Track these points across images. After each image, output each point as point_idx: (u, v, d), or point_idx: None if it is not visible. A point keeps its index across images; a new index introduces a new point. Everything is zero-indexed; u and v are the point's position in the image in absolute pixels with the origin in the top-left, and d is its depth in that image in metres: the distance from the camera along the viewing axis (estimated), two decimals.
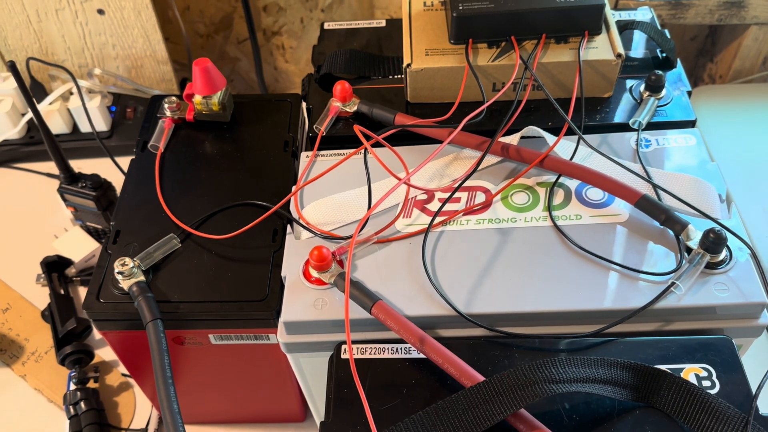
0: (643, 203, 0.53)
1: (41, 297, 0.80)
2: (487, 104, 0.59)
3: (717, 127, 0.88)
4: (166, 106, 0.65)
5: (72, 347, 0.71)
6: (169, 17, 1.01)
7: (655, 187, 0.55)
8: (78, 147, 0.92)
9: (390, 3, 1.02)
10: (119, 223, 0.59)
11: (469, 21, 0.62)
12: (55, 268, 0.80)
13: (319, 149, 0.63)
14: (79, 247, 0.82)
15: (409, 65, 0.62)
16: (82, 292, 0.81)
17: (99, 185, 0.77)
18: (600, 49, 0.62)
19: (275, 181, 0.62)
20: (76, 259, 0.81)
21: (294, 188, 0.59)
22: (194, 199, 0.61)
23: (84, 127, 0.92)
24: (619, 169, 0.56)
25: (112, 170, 0.79)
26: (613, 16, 0.68)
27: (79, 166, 0.92)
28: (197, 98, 0.64)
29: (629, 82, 0.66)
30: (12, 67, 0.63)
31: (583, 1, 0.61)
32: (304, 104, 0.69)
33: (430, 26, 0.66)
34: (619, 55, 0.61)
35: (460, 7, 0.62)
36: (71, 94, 0.89)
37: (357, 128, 0.55)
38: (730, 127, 0.89)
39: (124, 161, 0.88)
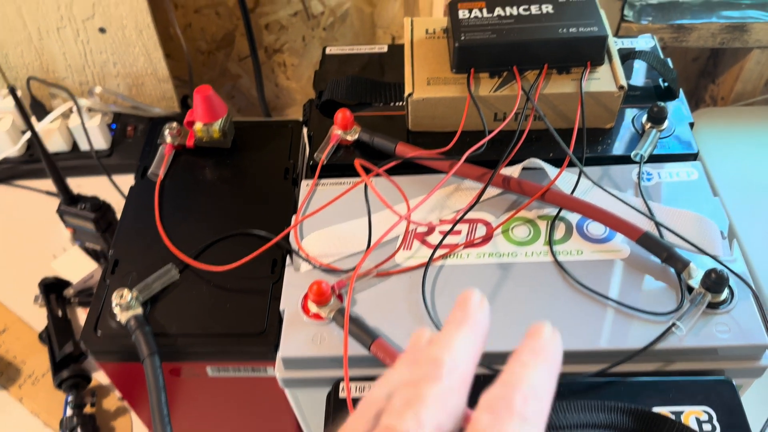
0: (644, 240, 0.53)
1: (39, 318, 0.80)
2: (489, 137, 0.59)
3: (718, 150, 0.88)
4: (166, 132, 0.65)
5: (69, 371, 0.71)
6: (171, 34, 1.01)
7: (657, 224, 0.55)
8: (78, 165, 0.92)
9: (391, 22, 1.02)
10: (118, 252, 0.59)
11: (471, 51, 0.62)
12: (53, 289, 0.80)
13: (320, 177, 0.63)
14: (78, 267, 0.82)
15: (410, 95, 0.62)
16: (81, 313, 0.81)
17: (98, 207, 0.77)
18: (602, 80, 0.62)
19: (275, 209, 0.62)
20: (75, 280, 0.81)
21: (294, 220, 0.59)
22: (194, 227, 0.60)
23: (84, 146, 0.91)
24: (620, 204, 0.56)
25: (113, 188, 0.79)
26: (615, 45, 0.67)
27: (80, 184, 0.91)
28: (198, 125, 0.63)
29: (631, 112, 0.65)
30: (12, 92, 0.63)
31: (585, 32, 0.61)
32: (305, 130, 0.69)
33: (432, 54, 0.66)
34: (621, 87, 0.61)
35: (462, 38, 0.61)
36: (71, 112, 0.89)
37: (357, 163, 0.55)
38: (732, 150, 0.89)
39: (125, 179, 0.88)
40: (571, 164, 0.58)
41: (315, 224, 0.58)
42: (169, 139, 0.65)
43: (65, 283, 0.81)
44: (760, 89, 1.00)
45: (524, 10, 0.63)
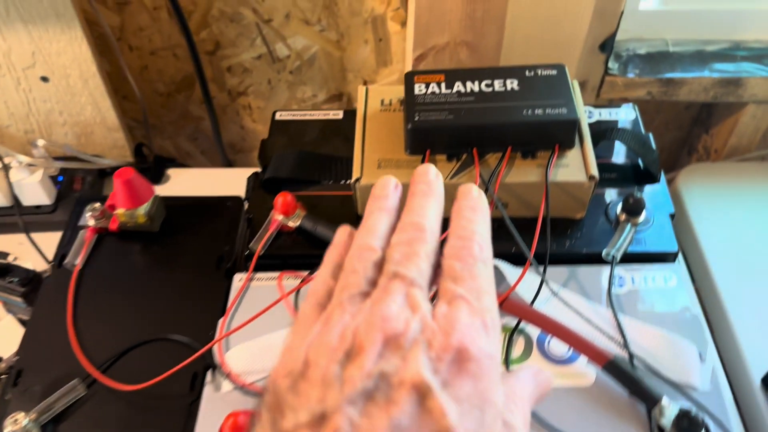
0: (611, 368, 0.46)
1: None
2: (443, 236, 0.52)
3: (709, 211, 0.81)
4: (88, 214, 0.59)
5: None
6: (126, 77, 0.95)
7: (631, 355, 0.48)
8: (20, 222, 0.85)
9: (362, 66, 0.95)
10: (23, 360, 0.53)
11: (426, 133, 0.55)
12: None
13: (256, 270, 0.56)
14: (10, 340, 0.75)
15: (358, 180, 0.56)
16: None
17: (28, 281, 0.70)
18: (571, 167, 0.55)
19: (204, 306, 0.55)
20: (6, 354, 0.75)
21: (220, 328, 0.52)
22: (111, 328, 0.54)
23: (27, 201, 0.85)
24: (589, 318, 0.49)
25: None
26: (590, 116, 0.61)
27: (22, 241, 0.85)
28: (120, 211, 0.57)
29: (606, 196, 0.59)
30: None
31: (553, 114, 0.54)
32: (246, 207, 0.62)
33: (385, 131, 0.59)
34: (591, 178, 0.54)
35: (416, 117, 0.55)
36: (10, 167, 0.82)
37: (280, 278, 0.48)
38: (724, 211, 0.82)
39: None
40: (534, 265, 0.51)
41: (243, 330, 0.52)
42: (91, 222, 0.59)
43: None
44: (756, 144, 0.93)
45: (487, 86, 0.57)
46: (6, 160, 0.82)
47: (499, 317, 0.29)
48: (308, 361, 0.26)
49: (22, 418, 0.47)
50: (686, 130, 1.03)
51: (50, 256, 0.74)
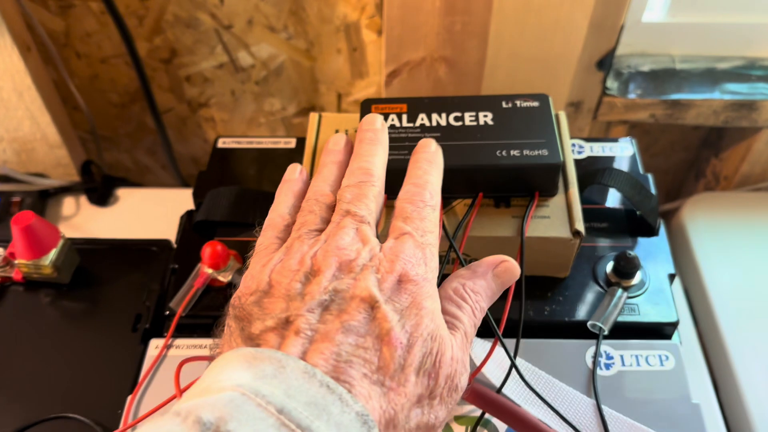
0: None
1: None
2: None
3: (716, 247, 0.72)
4: None
5: None
6: (77, 85, 0.86)
7: None
8: None
9: (336, 77, 0.86)
10: None
11: None
12: None
13: (182, 330, 0.48)
14: None
15: None
16: None
17: None
18: (553, 219, 0.46)
19: (114, 377, 0.47)
20: None
21: (127, 408, 0.44)
22: (6, 401, 0.46)
23: None
24: (566, 411, 0.41)
25: None
26: (580, 152, 0.52)
27: None
28: (21, 262, 0.48)
29: (594, 251, 0.50)
30: None
31: (531, 157, 0.45)
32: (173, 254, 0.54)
33: None
34: (577, 233, 0.45)
35: None
36: None
37: (178, 372, 0.40)
38: (733, 248, 0.73)
39: None
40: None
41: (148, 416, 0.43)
42: None
43: None
44: None
45: (456, 119, 0.48)
46: None
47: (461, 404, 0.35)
48: (271, 282, 0.31)
49: None
50: (694, 152, 0.94)
51: None
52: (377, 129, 0.40)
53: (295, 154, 0.58)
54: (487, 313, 0.42)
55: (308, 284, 0.30)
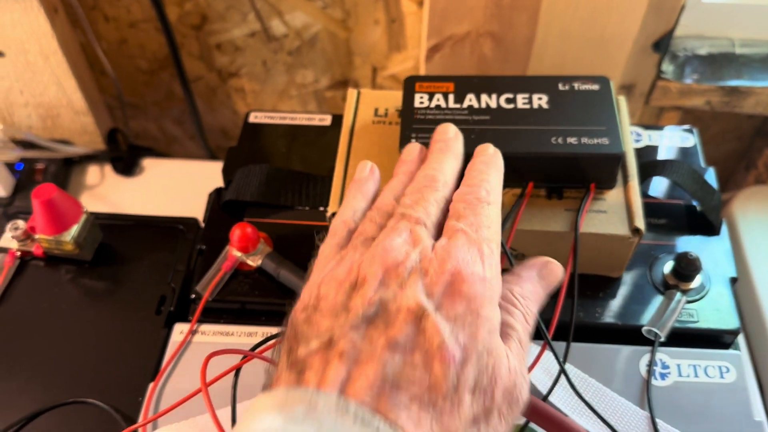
0: None
1: None
2: None
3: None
4: (9, 234, 0.48)
5: None
6: (105, 51, 0.83)
7: None
8: None
9: (372, 50, 0.83)
10: None
11: None
12: None
13: (208, 314, 0.45)
14: None
15: (334, 215, 0.44)
16: None
17: None
18: (610, 215, 0.43)
19: (136, 361, 0.44)
20: None
21: (149, 395, 0.42)
22: (22, 383, 0.44)
23: None
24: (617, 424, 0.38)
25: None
26: (638, 140, 0.48)
27: None
28: (41, 237, 0.46)
29: (649, 251, 0.46)
30: None
31: (591, 146, 0.42)
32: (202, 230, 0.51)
33: (376, 149, 0.47)
34: (636, 231, 0.42)
35: (413, 138, 0.43)
36: None
37: (205, 365, 0.37)
38: None
39: None
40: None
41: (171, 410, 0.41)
42: (13, 245, 0.48)
43: None
44: None
45: (507, 101, 0.44)
46: None
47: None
48: (320, 295, 0.29)
49: None
50: (747, 142, 0.89)
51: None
52: (449, 138, 0.37)
53: (330, 132, 0.55)
54: (541, 327, 0.39)
55: (353, 296, 0.28)
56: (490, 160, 0.37)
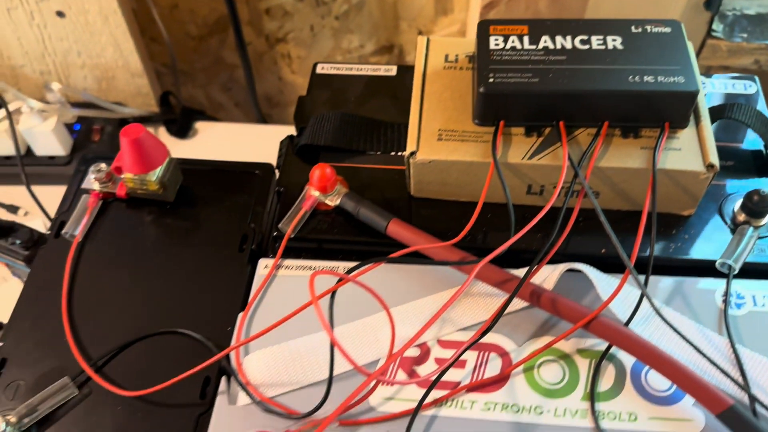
0: (730, 417, 0.36)
1: None
2: (517, 236, 0.42)
3: None
4: (92, 176, 0.50)
5: None
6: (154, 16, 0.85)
7: (751, 396, 0.37)
8: (32, 173, 0.77)
9: (418, 14, 0.84)
10: (8, 348, 0.45)
11: (502, 99, 0.44)
12: None
13: (285, 256, 0.47)
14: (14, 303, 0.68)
15: (413, 154, 0.45)
16: None
17: (32, 243, 0.62)
18: (684, 152, 0.44)
19: (222, 295, 0.46)
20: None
21: (239, 325, 0.43)
22: (111, 316, 0.46)
23: (39, 151, 0.77)
24: (697, 356, 0.39)
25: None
26: (706, 92, 0.49)
27: (37, 192, 0.77)
28: (128, 176, 0.48)
29: (718, 191, 0.48)
30: None
31: (667, 84, 0.43)
32: (277, 177, 0.53)
33: (449, 93, 0.48)
34: (710, 166, 0.43)
35: (491, 79, 0.44)
36: (21, 112, 0.74)
37: (312, 279, 0.38)
38: None
39: None
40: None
41: (265, 333, 0.43)
42: (95, 186, 0.50)
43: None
44: None
45: (582, 42, 0.45)
46: (15, 105, 0.73)
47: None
48: None
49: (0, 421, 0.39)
50: None
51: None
52: None
53: (396, 82, 0.56)
54: (619, 247, 0.40)
55: None
56: None
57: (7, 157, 0.77)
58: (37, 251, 0.62)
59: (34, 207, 0.73)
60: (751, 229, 0.44)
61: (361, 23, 0.86)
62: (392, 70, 0.57)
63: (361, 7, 0.83)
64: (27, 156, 0.77)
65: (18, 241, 0.61)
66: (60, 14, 0.73)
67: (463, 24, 0.83)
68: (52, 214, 0.60)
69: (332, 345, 0.39)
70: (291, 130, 0.54)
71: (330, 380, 0.39)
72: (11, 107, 0.74)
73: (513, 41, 0.46)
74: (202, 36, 0.89)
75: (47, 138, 0.74)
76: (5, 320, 0.66)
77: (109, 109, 0.78)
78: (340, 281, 0.39)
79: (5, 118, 0.74)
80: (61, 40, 0.76)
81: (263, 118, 0.92)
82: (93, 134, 0.79)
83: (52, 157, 0.77)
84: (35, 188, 0.78)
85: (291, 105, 0.97)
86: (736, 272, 0.43)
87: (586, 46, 0.45)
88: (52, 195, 0.71)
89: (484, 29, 0.47)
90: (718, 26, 0.71)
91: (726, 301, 0.42)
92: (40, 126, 0.73)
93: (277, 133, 0.57)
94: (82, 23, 0.73)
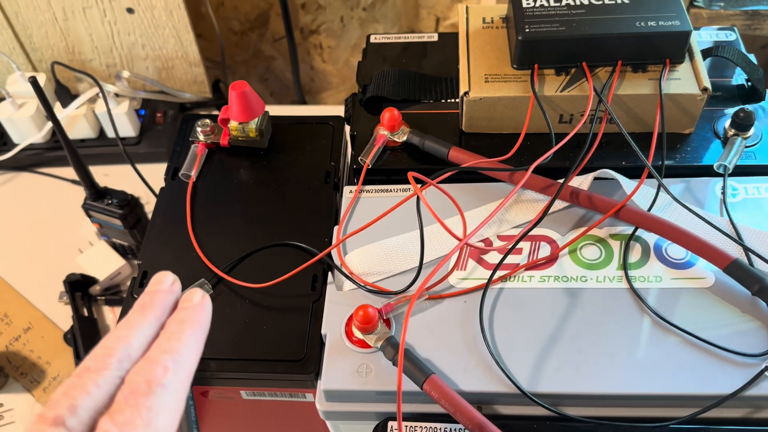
0: (733, 269, 0.47)
1: (64, 316, 0.76)
2: (559, 145, 0.53)
3: None
4: (199, 129, 0.60)
5: None
6: (202, 13, 0.95)
7: (747, 249, 0.48)
8: (106, 153, 0.87)
9: (436, 2, 0.95)
10: (146, 263, 0.54)
11: (536, 45, 0.55)
12: (78, 287, 0.76)
13: (364, 183, 0.57)
14: (105, 263, 0.78)
15: (466, 93, 0.56)
16: (107, 312, 0.77)
17: (126, 203, 0.72)
18: (683, 81, 0.55)
19: (315, 216, 0.56)
20: (101, 277, 0.77)
21: (336, 232, 0.54)
22: (228, 236, 0.56)
23: (111, 133, 0.87)
24: (704, 225, 0.50)
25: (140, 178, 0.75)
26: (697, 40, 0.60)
27: (107, 172, 0.87)
28: (233, 124, 0.58)
29: (710, 115, 0.59)
30: (33, 84, 0.58)
31: (666, 26, 0.54)
32: (347, 129, 0.63)
33: (489, 47, 0.59)
34: (705, 89, 0.54)
35: (527, 30, 0.55)
36: (98, 97, 0.84)
37: (410, 176, 0.49)
38: None
39: (153, 168, 0.83)
40: (649, 176, 0.52)
41: (359, 238, 0.53)
42: (201, 137, 0.60)
43: (91, 281, 0.77)
44: None
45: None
46: (90, 95, 0.83)
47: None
48: None
49: None
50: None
51: (134, 188, 0.76)
52: (194, 305, 0.33)
53: (438, 45, 0.67)
54: (638, 152, 0.51)
55: None
56: (189, 317, 0.32)
57: (82, 140, 0.87)
58: (130, 210, 0.72)
59: (109, 185, 0.83)
60: (740, 139, 0.55)
61: (385, 12, 0.97)
62: (434, 37, 0.68)
63: None
64: (101, 137, 0.87)
65: (114, 200, 0.71)
66: (130, 11, 0.83)
67: None
68: (131, 191, 0.71)
69: (422, 234, 0.50)
70: (328, 110, 0.65)
71: (421, 262, 0.50)
72: (86, 95, 0.84)
73: (541, 1, 0.57)
74: (244, 31, 1.00)
75: (122, 120, 0.84)
76: (101, 276, 0.76)
77: (173, 94, 0.89)
78: (425, 184, 0.50)
79: (84, 104, 0.84)
80: (128, 34, 0.86)
81: (303, 98, 1.03)
82: (157, 118, 0.89)
83: (123, 139, 0.87)
84: (108, 168, 0.88)
85: (323, 91, 1.07)
86: (730, 171, 0.54)
87: (600, 2, 0.56)
88: (125, 173, 0.81)
89: None
90: None
91: (724, 193, 0.53)
92: (116, 109, 0.84)
93: (315, 112, 0.67)
94: (149, 18, 0.84)
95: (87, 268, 0.78)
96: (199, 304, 0.33)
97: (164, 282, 0.34)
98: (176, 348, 0.30)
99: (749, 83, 0.60)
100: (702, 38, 0.65)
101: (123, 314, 0.52)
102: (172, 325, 0.31)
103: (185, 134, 0.62)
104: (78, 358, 0.71)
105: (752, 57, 0.62)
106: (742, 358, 0.45)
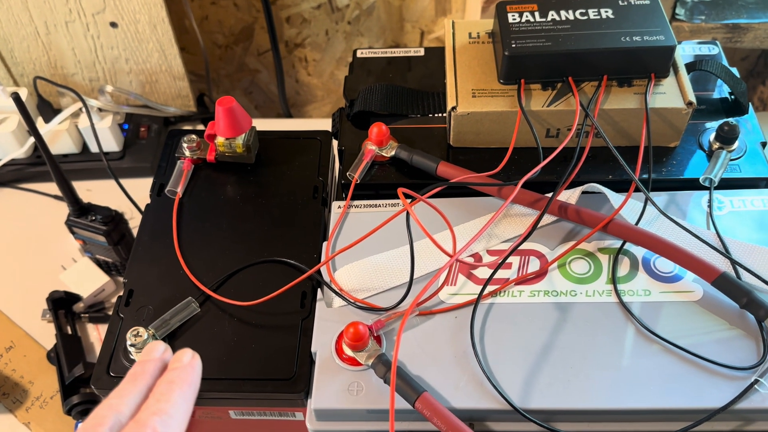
0: (721, 282, 0.47)
1: (47, 334, 0.75)
2: (548, 159, 0.53)
3: None
4: (185, 145, 0.59)
5: (79, 397, 0.66)
6: (186, 27, 0.95)
7: (734, 263, 0.49)
8: (89, 168, 0.86)
9: (420, 16, 0.95)
10: (132, 282, 0.54)
11: (523, 60, 0.56)
12: (61, 304, 0.75)
13: (353, 198, 0.57)
14: (88, 280, 0.76)
15: (454, 108, 0.56)
16: (91, 329, 0.76)
17: (110, 219, 0.71)
18: (668, 95, 0.56)
19: (304, 232, 0.56)
20: (85, 294, 0.76)
21: (325, 248, 0.53)
22: (215, 252, 0.55)
23: (95, 147, 0.86)
24: (691, 238, 0.50)
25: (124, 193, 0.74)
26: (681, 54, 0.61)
27: (90, 187, 0.86)
28: (220, 140, 0.58)
29: (695, 129, 0.59)
30: (15, 100, 0.57)
31: (650, 41, 0.55)
32: (335, 143, 0.63)
33: (476, 62, 0.60)
34: (689, 104, 0.55)
35: (513, 45, 0.55)
36: (81, 112, 0.83)
37: (400, 192, 0.49)
38: None
39: (137, 183, 0.82)
40: (636, 189, 0.52)
41: (349, 254, 0.53)
42: (187, 153, 0.60)
43: (75, 298, 0.76)
44: None
45: (581, 14, 0.57)
46: (73, 110, 0.82)
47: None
48: None
49: (142, 332, 0.48)
50: None
51: (118, 204, 0.75)
52: (184, 366, 0.34)
53: (424, 60, 0.67)
54: (625, 165, 0.51)
55: None
56: (179, 377, 0.33)
57: (65, 155, 0.86)
58: (114, 227, 0.71)
59: (92, 200, 0.82)
60: (725, 152, 0.56)
61: (370, 26, 0.97)
62: (421, 51, 0.68)
63: (370, 12, 0.95)
64: (84, 152, 0.86)
65: (98, 217, 0.70)
66: (113, 25, 0.83)
67: None
68: (115, 207, 0.71)
69: (412, 250, 0.50)
70: (314, 123, 0.65)
71: (411, 278, 0.50)
72: (70, 110, 0.83)
73: (526, 16, 0.57)
74: (228, 45, 0.99)
75: (105, 135, 0.83)
76: (84, 293, 0.75)
77: (157, 108, 0.88)
78: (414, 200, 0.50)
79: (67, 118, 0.83)
80: (111, 48, 0.85)
81: (289, 112, 1.03)
82: (141, 132, 0.88)
83: (106, 153, 0.86)
84: (91, 183, 0.87)
85: (308, 104, 1.07)
86: (716, 185, 0.54)
87: (585, 17, 0.57)
88: (108, 188, 0.80)
89: (502, 9, 0.59)
90: (680, 10, 0.84)
91: (710, 206, 0.53)
92: (99, 124, 0.83)
93: (302, 126, 0.67)
94: (132, 32, 0.83)
95: (70, 285, 0.76)
96: (189, 364, 0.34)
97: (155, 351, 0.35)
98: (165, 409, 0.31)
99: (732, 97, 0.61)
100: (685, 52, 0.65)
101: (108, 332, 0.51)
102: (161, 386, 0.32)
103: (171, 150, 0.62)
104: (61, 377, 0.69)
105: (735, 71, 0.63)
106: (731, 371, 0.45)
